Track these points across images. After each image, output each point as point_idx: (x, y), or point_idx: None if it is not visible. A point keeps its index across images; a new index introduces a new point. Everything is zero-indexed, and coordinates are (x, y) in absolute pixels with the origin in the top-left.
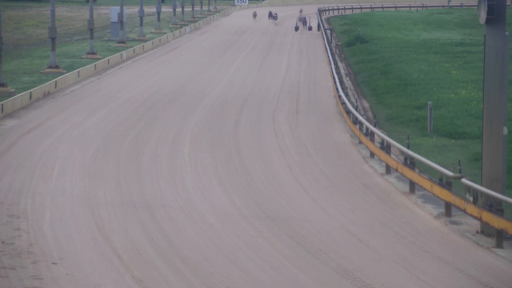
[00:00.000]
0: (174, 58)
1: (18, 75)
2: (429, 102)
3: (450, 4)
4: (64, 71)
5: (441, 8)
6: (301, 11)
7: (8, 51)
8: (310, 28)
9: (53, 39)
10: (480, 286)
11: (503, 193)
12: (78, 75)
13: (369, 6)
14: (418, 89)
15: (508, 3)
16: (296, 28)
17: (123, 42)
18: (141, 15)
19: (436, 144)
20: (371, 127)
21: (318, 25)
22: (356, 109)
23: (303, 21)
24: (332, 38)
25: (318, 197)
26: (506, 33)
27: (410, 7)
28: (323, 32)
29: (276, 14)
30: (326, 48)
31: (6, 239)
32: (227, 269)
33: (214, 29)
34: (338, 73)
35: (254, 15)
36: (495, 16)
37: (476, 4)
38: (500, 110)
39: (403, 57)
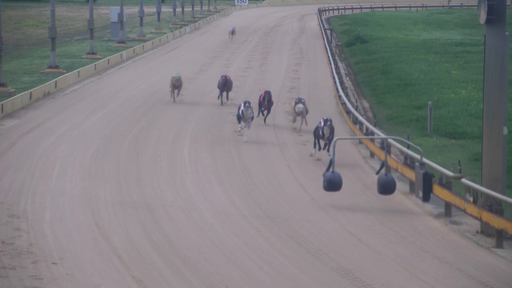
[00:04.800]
0: (174, 58)
1: (18, 75)
2: (429, 102)
3: (450, 4)
4: (64, 71)
5: (441, 8)
6: (233, 31)
7: (8, 51)
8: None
9: (53, 39)
10: (480, 286)
11: (503, 193)
12: (78, 75)
13: (369, 6)
14: (418, 89)
15: (508, 3)
16: None
17: (123, 42)
18: (141, 15)
19: (436, 144)
20: (371, 127)
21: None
22: (356, 109)
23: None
24: (332, 38)
25: (318, 197)
26: (506, 33)
27: (410, 7)
28: (324, 34)
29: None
30: (326, 48)
31: (6, 239)
32: (227, 269)
33: (214, 29)
34: (338, 73)
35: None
36: (495, 16)
37: (476, 4)
38: (500, 110)
39: (403, 57)
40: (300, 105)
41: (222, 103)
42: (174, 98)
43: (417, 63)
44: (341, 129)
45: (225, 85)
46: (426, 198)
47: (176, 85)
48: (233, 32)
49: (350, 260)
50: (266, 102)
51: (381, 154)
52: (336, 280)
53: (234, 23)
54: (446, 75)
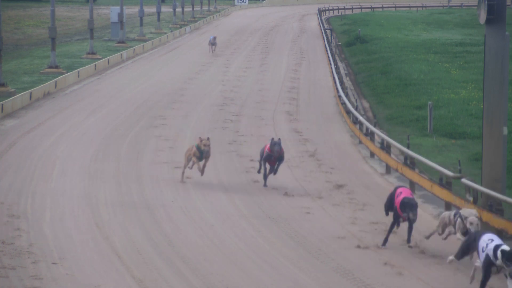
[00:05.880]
0: (174, 58)
1: (18, 75)
2: (429, 102)
3: (450, 4)
4: (64, 71)
5: (441, 8)
6: (213, 42)
7: (8, 51)
8: None
9: (53, 39)
10: None
11: (503, 193)
12: (78, 75)
13: (369, 6)
14: (418, 89)
15: (508, 3)
16: None
17: (123, 42)
18: (141, 15)
19: (436, 144)
20: (371, 127)
21: None
22: (356, 109)
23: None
24: (332, 38)
25: (317, 197)
26: (506, 33)
27: (410, 7)
28: (324, 34)
29: None
30: (326, 48)
31: (6, 239)
32: (227, 269)
33: (214, 29)
34: (338, 73)
35: None
36: (495, 16)
37: (476, 4)
38: (500, 110)
39: (403, 57)
40: (475, 219)
41: (265, 184)
42: (198, 169)
43: (417, 63)
44: (341, 129)
45: (271, 158)
46: None
47: (206, 151)
48: (213, 43)
49: (350, 260)
50: None
51: (381, 154)
52: (336, 280)
53: (234, 24)
54: (446, 75)
